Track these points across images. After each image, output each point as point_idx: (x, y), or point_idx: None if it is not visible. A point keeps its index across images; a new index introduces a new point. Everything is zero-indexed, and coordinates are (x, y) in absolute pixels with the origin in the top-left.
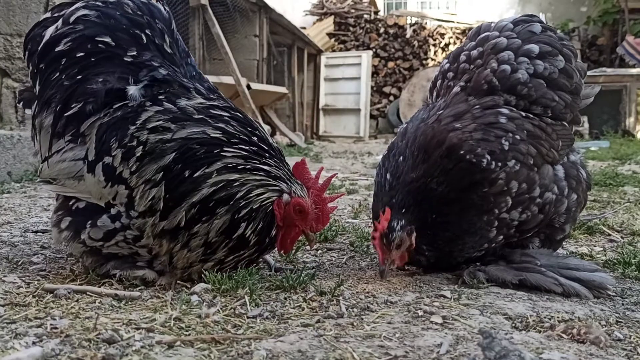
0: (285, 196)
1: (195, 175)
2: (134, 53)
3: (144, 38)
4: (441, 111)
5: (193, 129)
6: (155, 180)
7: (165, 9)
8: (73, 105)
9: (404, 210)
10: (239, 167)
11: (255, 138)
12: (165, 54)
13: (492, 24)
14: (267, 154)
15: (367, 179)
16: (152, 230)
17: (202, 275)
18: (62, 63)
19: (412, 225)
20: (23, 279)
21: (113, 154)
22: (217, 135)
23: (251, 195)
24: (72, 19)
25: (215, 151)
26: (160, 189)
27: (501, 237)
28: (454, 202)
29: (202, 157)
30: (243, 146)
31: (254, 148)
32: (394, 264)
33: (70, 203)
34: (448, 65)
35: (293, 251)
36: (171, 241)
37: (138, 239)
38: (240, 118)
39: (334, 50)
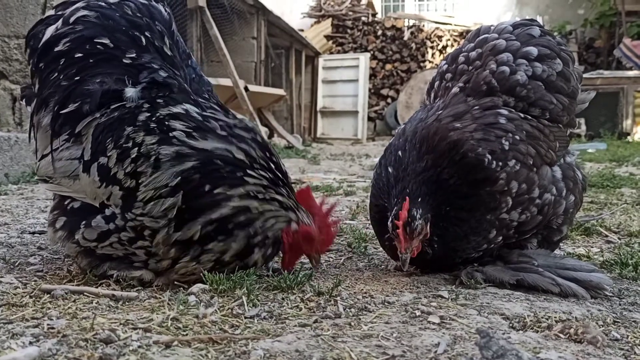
0: (294, 225)
1: (216, 191)
2: (133, 55)
3: (143, 40)
4: (440, 111)
5: (217, 145)
6: (171, 186)
7: (166, 10)
8: (70, 106)
9: (420, 199)
10: (259, 196)
11: (272, 165)
12: (165, 56)
13: (492, 27)
14: (281, 182)
15: (364, 181)
16: (165, 240)
17: (201, 275)
18: (61, 63)
19: (429, 214)
20: (20, 279)
21: (108, 155)
22: (241, 158)
23: (267, 224)
24: (72, 19)
25: (238, 174)
26: (177, 197)
27: (500, 238)
28: (466, 196)
29: (226, 176)
30: (263, 174)
31: (272, 176)
32: (413, 253)
33: (66, 203)
34: (446, 66)
35: None
36: (181, 251)
37: (134, 240)
38: (259, 141)
39: (331, 53)
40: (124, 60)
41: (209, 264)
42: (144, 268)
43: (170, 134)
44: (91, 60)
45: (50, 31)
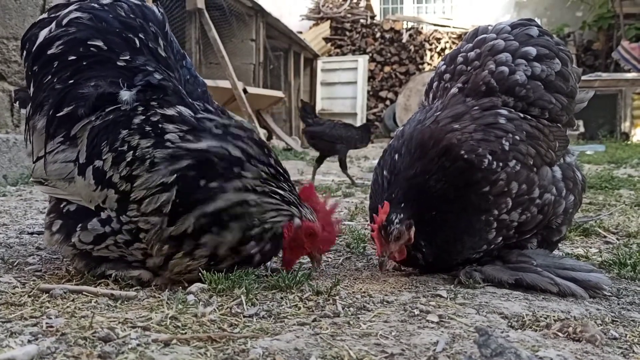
0: (297, 220)
1: (211, 185)
2: (127, 57)
3: (137, 42)
4: (439, 112)
5: (213, 143)
6: (167, 183)
7: (159, 11)
8: (64, 109)
9: (403, 205)
10: (257, 189)
11: (272, 160)
12: (159, 57)
13: (490, 27)
14: (282, 177)
15: (363, 183)
16: (158, 235)
17: (199, 274)
18: (55, 66)
19: (410, 219)
20: (19, 279)
21: (104, 158)
22: (238, 155)
23: (265, 216)
24: (65, 21)
25: (234, 169)
26: (171, 192)
27: (500, 238)
28: (453, 200)
29: (221, 172)
30: (262, 167)
31: (272, 170)
32: (393, 257)
33: (62, 206)
34: (445, 67)
35: None
36: (174, 247)
37: (130, 243)
38: (256, 139)
39: (330, 55)
40: (118, 63)
41: (203, 259)
42: (143, 268)
43: (165, 137)
44: (85, 63)
45: (43, 34)
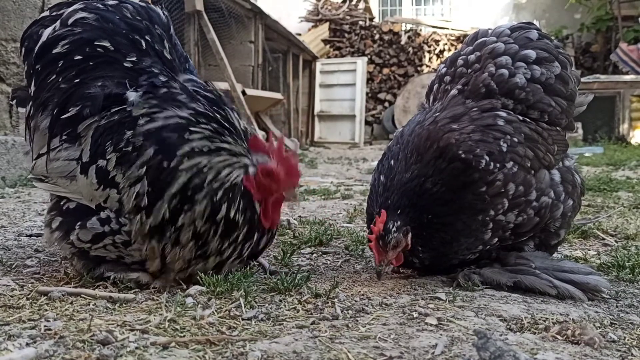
0: (251, 169)
1: (172, 165)
2: (134, 59)
3: (144, 44)
4: (438, 113)
5: (168, 114)
6: (139, 176)
7: (164, 14)
8: (70, 109)
9: (399, 212)
10: (204, 150)
11: (219, 116)
12: (165, 60)
13: (490, 30)
14: (227, 132)
15: (362, 185)
16: (140, 229)
17: (198, 277)
18: (60, 65)
19: (407, 226)
20: (17, 281)
21: (108, 158)
22: (185, 116)
23: (220, 176)
24: (70, 21)
25: (184, 135)
26: (143, 184)
27: (496, 239)
28: (450, 202)
29: (175, 144)
30: (205, 126)
31: (216, 126)
32: (390, 265)
33: (62, 203)
34: (445, 69)
35: (288, 254)
36: (160, 240)
37: (128, 243)
38: (211, 98)
39: (329, 57)
40: (125, 64)
41: (189, 242)
42: (141, 270)
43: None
44: (91, 63)
45: (47, 32)
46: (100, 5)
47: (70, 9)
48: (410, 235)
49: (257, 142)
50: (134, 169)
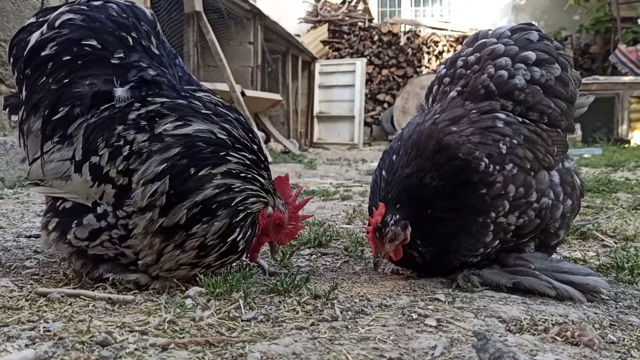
0: (270, 209)
1: (200, 174)
2: (121, 55)
3: (130, 40)
4: (437, 115)
5: (200, 126)
6: (157, 173)
7: (149, 12)
8: (60, 109)
9: (398, 205)
10: (241, 175)
11: (255, 146)
12: (152, 55)
13: (490, 31)
14: (262, 165)
15: (361, 186)
16: (149, 226)
17: (197, 278)
18: (49, 67)
19: (406, 220)
20: (16, 282)
21: (100, 154)
22: (224, 137)
23: (247, 202)
24: (57, 23)
25: (221, 153)
26: (164, 183)
27: (497, 241)
28: (448, 198)
29: (209, 157)
30: (245, 154)
31: (254, 157)
32: (388, 257)
33: (58, 204)
34: (445, 70)
35: (287, 255)
36: (165, 240)
37: (124, 238)
38: (242, 121)
39: (328, 58)
40: (112, 61)
41: (193, 251)
42: (140, 271)
43: (159, 130)
44: (79, 62)
45: (35, 37)
46: (85, 7)
47: (56, 13)
48: (409, 229)
49: (284, 185)
50: (151, 165)
